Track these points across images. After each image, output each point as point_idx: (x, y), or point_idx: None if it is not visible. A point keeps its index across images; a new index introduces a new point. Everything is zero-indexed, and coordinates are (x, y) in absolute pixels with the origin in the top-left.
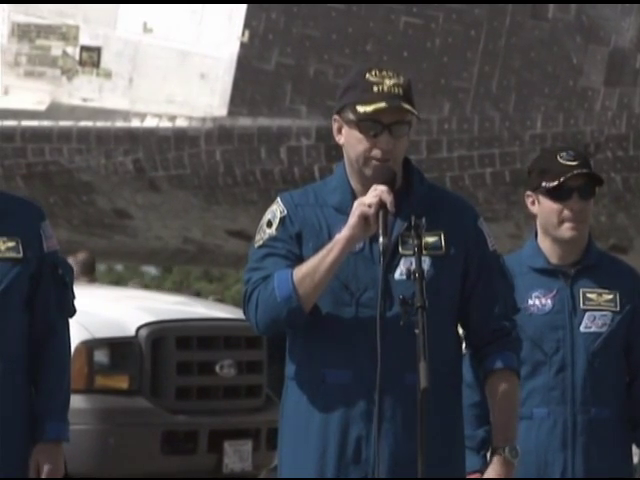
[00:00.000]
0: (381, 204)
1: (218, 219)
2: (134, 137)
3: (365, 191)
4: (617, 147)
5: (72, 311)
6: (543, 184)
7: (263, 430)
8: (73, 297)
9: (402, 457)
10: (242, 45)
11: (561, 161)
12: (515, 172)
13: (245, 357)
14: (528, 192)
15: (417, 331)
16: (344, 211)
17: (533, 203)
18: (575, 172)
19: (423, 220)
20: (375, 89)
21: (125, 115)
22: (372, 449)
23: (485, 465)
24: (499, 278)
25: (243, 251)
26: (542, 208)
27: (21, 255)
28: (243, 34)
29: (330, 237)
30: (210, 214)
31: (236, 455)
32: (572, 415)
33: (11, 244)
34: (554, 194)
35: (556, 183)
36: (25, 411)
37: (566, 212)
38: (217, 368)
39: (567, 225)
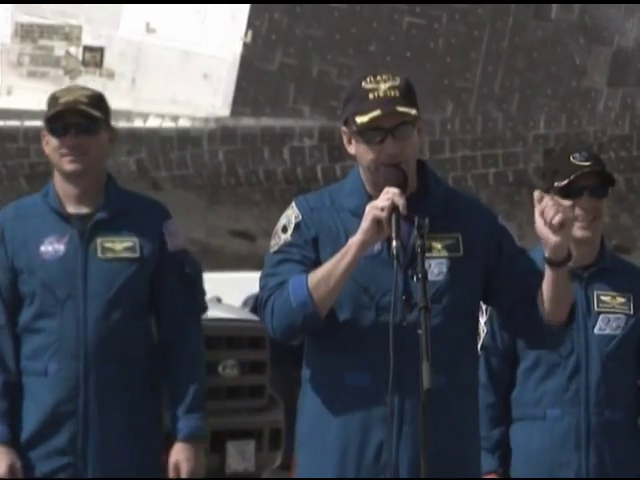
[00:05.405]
0: (393, 207)
1: (221, 219)
2: (137, 137)
3: (380, 196)
4: (620, 147)
5: (202, 309)
6: (555, 184)
7: (266, 430)
8: (203, 294)
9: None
10: (245, 45)
11: (573, 161)
12: (518, 172)
13: (248, 357)
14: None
15: (420, 331)
16: (360, 215)
17: None
18: (585, 170)
19: (427, 221)
20: (371, 96)
21: (128, 115)
22: (392, 452)
23: (500, 466)
24: (532, 266)
25: (246, 251)
26: None
27: (137, 254)
28: (246, 34)
29: (347, 241)
30: (213, 214)
31: (239, 455)
32: (586, 417)
33: (128, 244)
34: (565, 193)
35: (566, 182)
36: (149, 412)
37: (577, 211)
38: (220, 368)
39: (578, 224)
